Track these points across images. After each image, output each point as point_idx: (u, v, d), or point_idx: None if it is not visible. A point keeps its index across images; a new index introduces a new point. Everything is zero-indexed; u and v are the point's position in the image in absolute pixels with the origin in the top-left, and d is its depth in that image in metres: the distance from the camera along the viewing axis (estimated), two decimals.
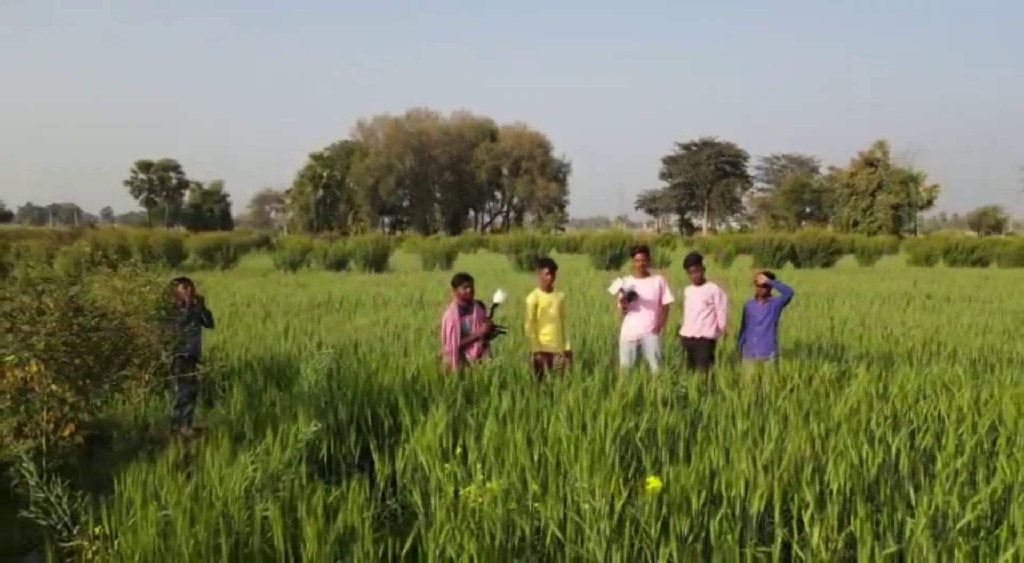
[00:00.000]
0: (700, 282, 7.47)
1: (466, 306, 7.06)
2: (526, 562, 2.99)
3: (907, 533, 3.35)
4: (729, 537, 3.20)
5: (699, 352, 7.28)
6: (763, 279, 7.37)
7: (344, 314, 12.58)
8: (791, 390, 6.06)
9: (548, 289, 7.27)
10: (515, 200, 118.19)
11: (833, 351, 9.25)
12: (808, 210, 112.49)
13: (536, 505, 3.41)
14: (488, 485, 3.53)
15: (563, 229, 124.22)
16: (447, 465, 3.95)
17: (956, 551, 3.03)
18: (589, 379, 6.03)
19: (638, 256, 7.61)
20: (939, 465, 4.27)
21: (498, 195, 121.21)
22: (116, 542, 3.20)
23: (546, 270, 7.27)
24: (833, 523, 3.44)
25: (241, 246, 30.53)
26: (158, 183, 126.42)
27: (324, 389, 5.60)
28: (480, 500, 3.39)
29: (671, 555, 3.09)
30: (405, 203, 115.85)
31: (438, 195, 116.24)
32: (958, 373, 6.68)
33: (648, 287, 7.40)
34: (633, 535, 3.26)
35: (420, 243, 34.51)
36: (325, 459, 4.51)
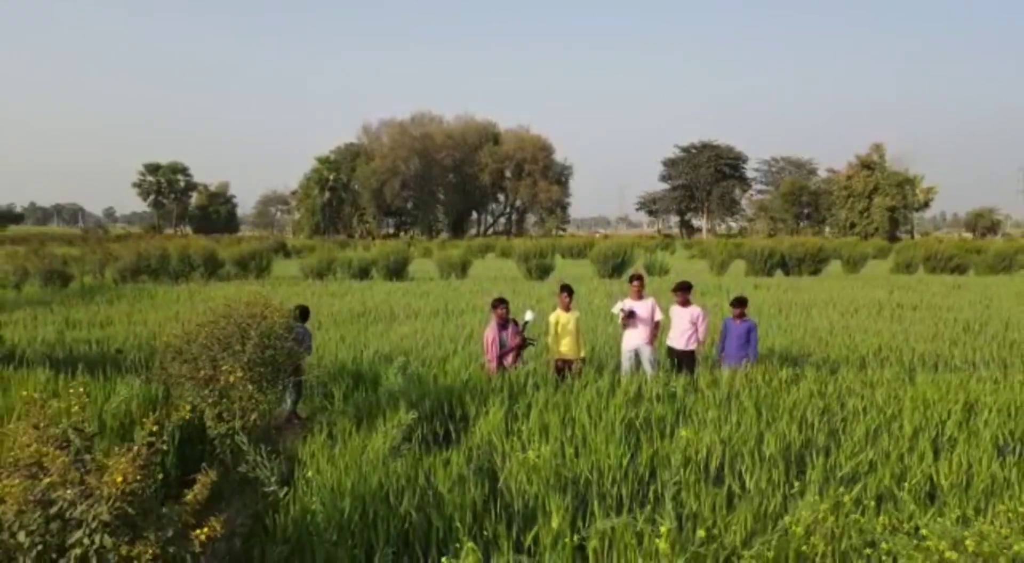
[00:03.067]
0: (685, 304, 9.40)
1: (503, 323, 9.00)
2: (570, 494, 4.90)
3: (807, 479, 5.30)
4: (693, 481, 5.15)
5: (684, 361, 9.21)
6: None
7: (384, 324, 14.52)
8: (754, 389, 8.00)
9: (566, 309, 9.21)
10: (518, 202, 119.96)
11: (800, 357, 11.18)
12: (806, 212, 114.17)
13: (573, 460, 5.38)
14: (540, 450, 5.49)
15: (564, 230, 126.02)
16: (511, 438, 5.93)
17: (832, 489, 4.96)
18: (600, 381, 7.98)
19: (635, 283, 9.54)
20: (844, 440, 6.24)
21: (501, 197, 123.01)
22: (314, 483, 5.14)
23: (565, 294, 9.23)
24: (762, 475, 5.39)
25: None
26: (166, 185, 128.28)
27: (407, 388, 7.56)
28: (537, 459, 5.34)
29: (657, 490, 5.04)
30: (409, 205, 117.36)
31: (441, 197, 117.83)
32: (885, 375, 8.64)
33: (643, 307, 9.34)
34: (633, 479, 5.22)
35: (435, 252, 36.37)
36: (419, 437, 6.45)
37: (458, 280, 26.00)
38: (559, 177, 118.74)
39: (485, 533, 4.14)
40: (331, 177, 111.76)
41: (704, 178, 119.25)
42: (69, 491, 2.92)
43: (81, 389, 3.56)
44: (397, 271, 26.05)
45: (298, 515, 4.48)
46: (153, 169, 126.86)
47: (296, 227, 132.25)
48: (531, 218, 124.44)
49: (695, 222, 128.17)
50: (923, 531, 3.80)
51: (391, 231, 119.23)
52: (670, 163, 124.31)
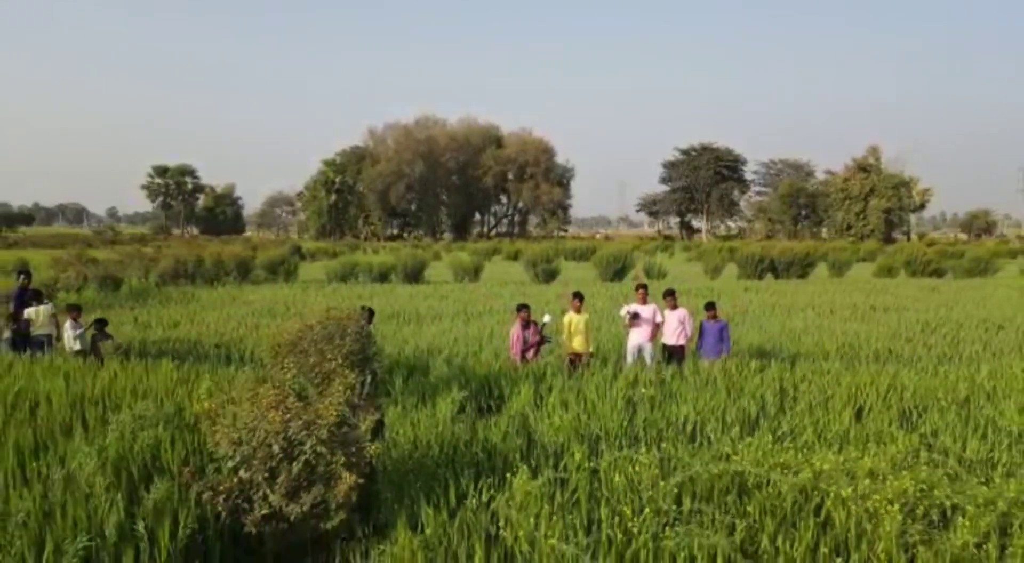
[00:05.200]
0: (674, 308, 11.47)
1: (525, 324, 11.07)
2: (585, 443, 6.93)
3: (755, 436, 7.35)
4: (673, 436, 7.21)
5: (676, 354, 11.28)
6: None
7: (415, 325, 16.58)
8: (727, 376, 10.04)
9: (577, 312, 11.28)
10: (520, 204, 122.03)
11: (772, 352, 13.22)
12: (804, 213, 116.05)
13: (587, 423, 7.46)
14: (563, 417, 7.56)
15: (566, 230, 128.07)
16: (539, 410, 8.00)
17: (774, 443, 6.99)
18: (605, 370, 10.03)
19: (640, 291, 11.63)
20: (788, 412, 8.30)
21: (503, 199, 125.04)
22: (401, 438, 7.19)
23: (576, 300, 11.30)
24: (721, 432, 7.45)
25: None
26: (174, 187, 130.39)
27: (453, 374, 9.63)
28: (560, 422, 7.41)
29: (647, 442, 7.10)
30: (413, 207, 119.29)
31: (445, 199, 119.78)
32: (835, 366, 10.69)
33: (647, 311, 11.41)
34: (631, 436, 7.28)
35: (444, 255, 38.38)
36: (471, 409, 8.50)
37: (471, 283, 28.08)
38: (561, 179, 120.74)
39: (531, 463, 6.19)
40: (337, 180, 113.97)
41: (703, 180, 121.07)
42: (300, 421, 4.97)
43: (294, 367, 5.62)
44: (415, 275, 28.14)
45: (402, 454, 6.55)
46: (161, 171, 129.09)
47: (301, 227, 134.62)
48: (533, 219, 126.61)
49: (695, 223, 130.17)
50: (818, 460, 5.86)
51: (395, 232, 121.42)
52: (670, 165, 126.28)
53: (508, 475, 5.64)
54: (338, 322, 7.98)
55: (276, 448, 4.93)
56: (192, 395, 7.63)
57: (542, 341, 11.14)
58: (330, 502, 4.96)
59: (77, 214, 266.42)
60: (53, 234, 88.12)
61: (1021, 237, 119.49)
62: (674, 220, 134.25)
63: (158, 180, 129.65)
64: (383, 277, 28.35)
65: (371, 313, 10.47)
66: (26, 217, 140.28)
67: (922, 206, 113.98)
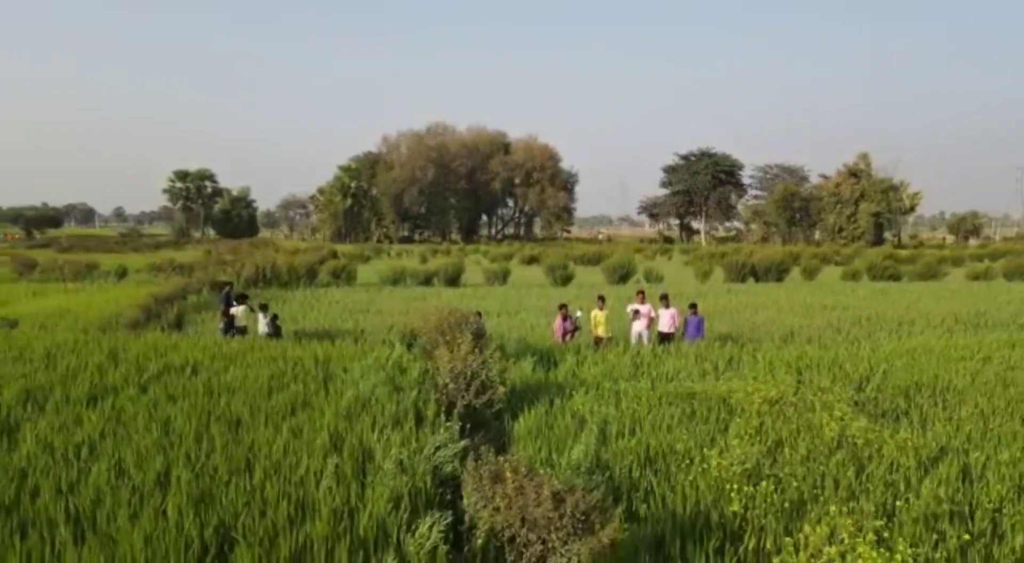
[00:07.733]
0: (667, 307, 16.99)
1: (564, 317, 16.59)
2: (610, 379, 12.35)
3: (708, 378, 12.82)
4: (658, 378, 12.70)
5: (667, 339, 16.76)
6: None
7: None
8: (698, 350, 15.50)
9: (600, 309, 16.79)
10: (526, 208, 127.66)
11: (735, 337, 18.65)
12: (798, 216, 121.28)
13: (610, 373, 12.99)
14: (595, 369, 13.07)
15: (569, 231, 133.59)
16: (580, 367, 13.55)
17: (716, 381, 12.43)
18: (618, 347, 15.51)
19: (639, 294, 17.15)
20: (733, 368, 13.79)
21: (510, 203, 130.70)
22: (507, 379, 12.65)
23: (600, 301, 16.81)
24: (687, 377, 12.93)
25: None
26: (194, 191, 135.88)
27: (522, 349, 15.13)
28: (594, 372, 12.91)
29: (644, 383, 12.58)
30: (423, 210, 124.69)
31: (454, 202, 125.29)
32: (772, 345, 16.16)
33: (644, 308, 16.91)
34: (635, 378, 12.79)
35: (468, 259, 43.79)
36: (536, 368, 13.97)
37: (501, 286, 33.58)
38: (565, 183, 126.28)
39: (583, 390, 11.64)
40: (352, 184, 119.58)
41: (702, 184, 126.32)
42: (478, 360, 10.42)
43: (466, 332, 11.11)
44: (453, 279, 33.64)
45: (511, 387, 12.03)
46: (182, 176, 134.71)
47: (313, 229, 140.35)
48: (538, 222, 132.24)
49: (694, 225, 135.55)
50: (733, 384, 11.35)
51: (406, 234, 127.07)
52: (670, 170, 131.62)
53: (572, 392, 11.15)
54: (464, 316, 13.51)
55: (468, 374, 10.43)
56: (384, 356, 13.14)
57: (576, 329, 16.67)
58: (494, 400, 10.44)
59: (86, 215, 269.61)
60: (90, 236, 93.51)
61: (1006, 238, 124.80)
62: (674, 222, 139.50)
63: (179, 184, 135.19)
64: (427, 281, 33.85)
65: (479, 313, 15.98)
66: (55, 219, 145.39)
67: (912, 209, 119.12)
